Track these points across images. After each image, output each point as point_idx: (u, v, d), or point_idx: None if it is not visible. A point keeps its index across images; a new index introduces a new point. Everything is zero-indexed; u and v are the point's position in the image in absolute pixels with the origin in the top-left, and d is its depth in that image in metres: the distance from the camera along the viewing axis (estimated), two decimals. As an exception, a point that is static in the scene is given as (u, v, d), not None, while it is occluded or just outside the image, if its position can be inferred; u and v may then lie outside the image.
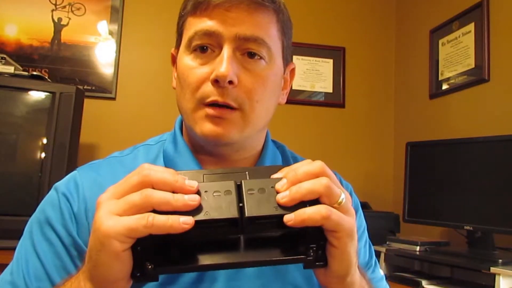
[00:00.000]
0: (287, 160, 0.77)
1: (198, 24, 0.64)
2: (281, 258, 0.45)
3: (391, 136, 2.51)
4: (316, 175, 0.46)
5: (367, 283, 0.58)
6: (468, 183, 1.62)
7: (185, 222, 0.42)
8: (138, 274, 0.45)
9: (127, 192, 0.44)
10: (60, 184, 0.66)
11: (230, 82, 0.61)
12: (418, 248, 1.66)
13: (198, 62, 0.64)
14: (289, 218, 0.43)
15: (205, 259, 0.44)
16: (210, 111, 0.62)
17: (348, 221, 0.46)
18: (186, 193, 0.43)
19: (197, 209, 0.43)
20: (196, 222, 0.43)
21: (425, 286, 1.49)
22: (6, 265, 0.63)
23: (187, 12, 0.67)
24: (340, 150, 2.40)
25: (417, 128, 2.31)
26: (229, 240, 0.45)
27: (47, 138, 1.63)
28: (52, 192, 0.65)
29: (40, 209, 0.64)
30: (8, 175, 1.63)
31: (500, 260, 1.36)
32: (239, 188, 0.46)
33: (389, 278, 0.78)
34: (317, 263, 0.47)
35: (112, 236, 0.42)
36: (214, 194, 0.45)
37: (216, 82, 0.61)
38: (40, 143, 1.65)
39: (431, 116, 2.21)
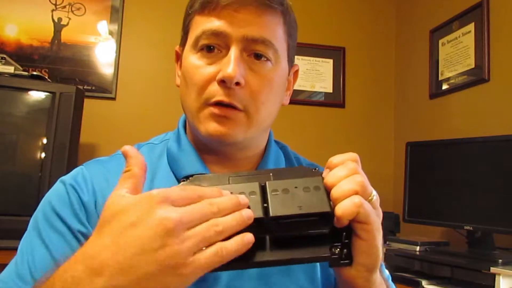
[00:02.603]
0: (290, 160, 0.77)
1: (206, 24, 0.64)
2: (307, 256, 0.46)
3: (391, 136, 2.51)
4: (351, 174, 0.49)
5: (385, 281, 0.59)
6: (468, 183, 1.62)
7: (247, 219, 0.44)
8: None
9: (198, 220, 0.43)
10: (67, 177, 0.65)
11: (237, 83, 0.62)
12: (418, 248, 1.66)
13: (204, 62, 0.64)
14: (335, 221, 0.46)
15: (233, 258, 0.45)
16: (215, 110, 0.62)
17: (377, 214, 0.49)
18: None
19: None
20: None
21: (425, 286, 1.49)
22: (7, 265, 0.63)
23: (194, 10, 0.66)
24: (340, 150, 2.37)
25: (417, 128, 2.31)
26: (256, 240, 0.46)
27: (47, 138, 1.63)
28: (58, 184, 0.65)
29: (45, 202, 0.63)
30: (8, 175, 1.63)
31: (500, 260, 1.36)
32: (263, 189, 0.47)
33: (389, 278, 0.79)
34: (342, 262, 0.48)
35: (196, 273, 0.41)
36: (239, 195, 0.46)
37: (222, 82, 0.62)
38: (40, 143, 1.65)
39: (431, 116, 2.21)
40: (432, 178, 1.77)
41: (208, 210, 0.43)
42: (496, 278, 1.29)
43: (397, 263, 1.70)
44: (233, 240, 0.43)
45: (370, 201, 0.48)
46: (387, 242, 1.80)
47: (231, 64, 0.61)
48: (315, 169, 0.53)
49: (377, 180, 2.39)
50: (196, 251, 0.41)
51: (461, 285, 1.44)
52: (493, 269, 1.31)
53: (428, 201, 1.78)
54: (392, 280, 0.79)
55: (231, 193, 0.46)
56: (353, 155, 0.51)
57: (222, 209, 0.43)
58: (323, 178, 0.49)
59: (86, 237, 0.59)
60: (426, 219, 1.80)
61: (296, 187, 0.47)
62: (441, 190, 1.72)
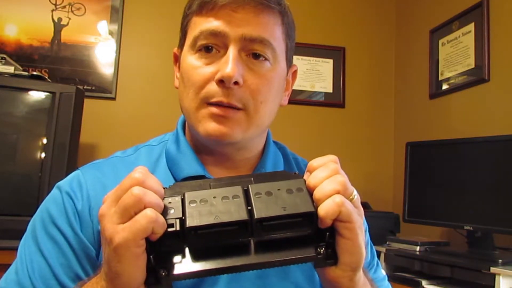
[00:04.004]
0: (289, 161, 0.77)
1: (204, 24, 0.64)
2: (291, 258, 0.46)
3: (391, 136, 2.51)
4: (332, 174, 0.49)
5: (369, 281, 0.59)
6: (468, 183, 1.62)
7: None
8: (152, 282, 0.45)
9: (121, 196, 0.45)
10: (63, 183, 0.66)
11: (236, 83, 0.61)
12: (418, 248, 1.66)
13: (203, 62, 0.64)
14: (318, 221, 0.46)
15: (217, 263, 0.45)
16: (214, 110, 0.62)
17: (359, 213, 0.49)
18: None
19: (208, 214, 0.45)
20: (207, 226, 0.44)
21: (425, 286, 1.49)
22: (6, 265, 0.63)
23: (192, 11, 0.66)
24: (340, 150, 2.40)
25: (417, 128, 2.31)
26: (239, 244, 0.46)
27: (47, 138, 1.63)
28: (55, 191, 0.65)
29: (42, 208, 0.64)
30: (8, 175, 1.63)
31: (500, 260, 1.36)
32: (246, 192, 0.47)
33: (389, 278, 0.79)
34: (327, 261, 0.48)
35: (128, 245, 0.43)
36: (222, 199, 0.46)
37: (221, 82, 0.61)
38: (40, 143, 1.65)
39: (431, 116, 2.21)
40: (432, 178, 1.77)
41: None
42: (496, 278, 1.29)
43: (397, 263, 1.70)
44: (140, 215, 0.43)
45: (351, 200, 0.48)
46: (387, 242, 1.80)
47: (229, 63, 0.61)
48: (295, 172, 0.53)
49: (377, 180, 2.42)
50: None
51: (461, 285, 1.44)
52: (493, 269, 1.31)
53: (428, 201, 1.78)
54: (392, 280, 0.78)
55: (214, 197, 0.46)
56: (333, 157, 0.52)
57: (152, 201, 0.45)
58: (305, 180, 0.49)
59: (80, 245, 0.60)
60: (426, 219, 1.80)
61: (279, 189, 0.47)
62: (441, 190, 1.72)
